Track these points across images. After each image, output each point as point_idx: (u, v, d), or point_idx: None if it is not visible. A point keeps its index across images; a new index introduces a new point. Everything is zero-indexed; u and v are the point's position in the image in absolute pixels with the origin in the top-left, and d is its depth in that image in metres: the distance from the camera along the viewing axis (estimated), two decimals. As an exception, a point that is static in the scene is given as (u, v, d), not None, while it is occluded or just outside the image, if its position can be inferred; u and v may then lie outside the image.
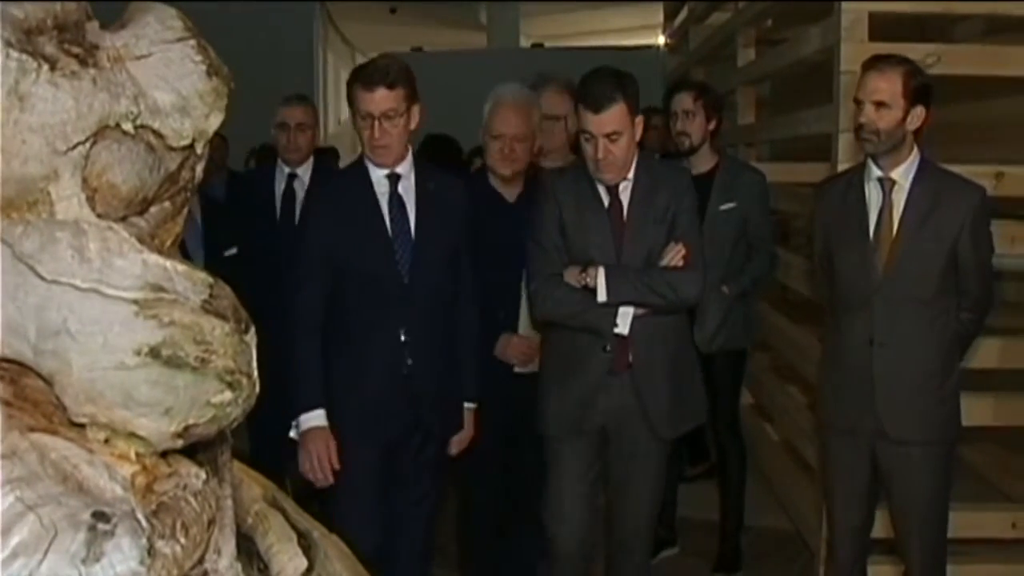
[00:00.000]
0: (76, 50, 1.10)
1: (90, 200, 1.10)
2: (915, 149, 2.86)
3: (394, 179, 2.85)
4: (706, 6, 6.53)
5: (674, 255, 2.83)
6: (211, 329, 1.07)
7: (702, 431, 4.18)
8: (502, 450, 3.27)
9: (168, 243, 1.23)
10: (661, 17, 9.02)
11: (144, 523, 1.00)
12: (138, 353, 1.03)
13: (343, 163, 6.69)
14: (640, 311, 2.83)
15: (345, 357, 2.81)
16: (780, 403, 4.70)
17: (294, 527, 1.35)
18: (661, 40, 9.55)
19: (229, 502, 1.23)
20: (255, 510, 1.34)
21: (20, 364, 1.06)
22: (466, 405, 3.03)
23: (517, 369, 3.26)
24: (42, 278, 1.02)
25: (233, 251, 4.33)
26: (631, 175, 2.86)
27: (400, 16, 13.43)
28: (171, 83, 1.18)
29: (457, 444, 3.01)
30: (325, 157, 5.99)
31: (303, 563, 1.30)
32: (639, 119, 2.82)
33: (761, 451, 4.87)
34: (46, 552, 0.94)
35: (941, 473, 2.90)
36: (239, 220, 4.30)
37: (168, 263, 1.08)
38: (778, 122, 5.11)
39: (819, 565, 3.73)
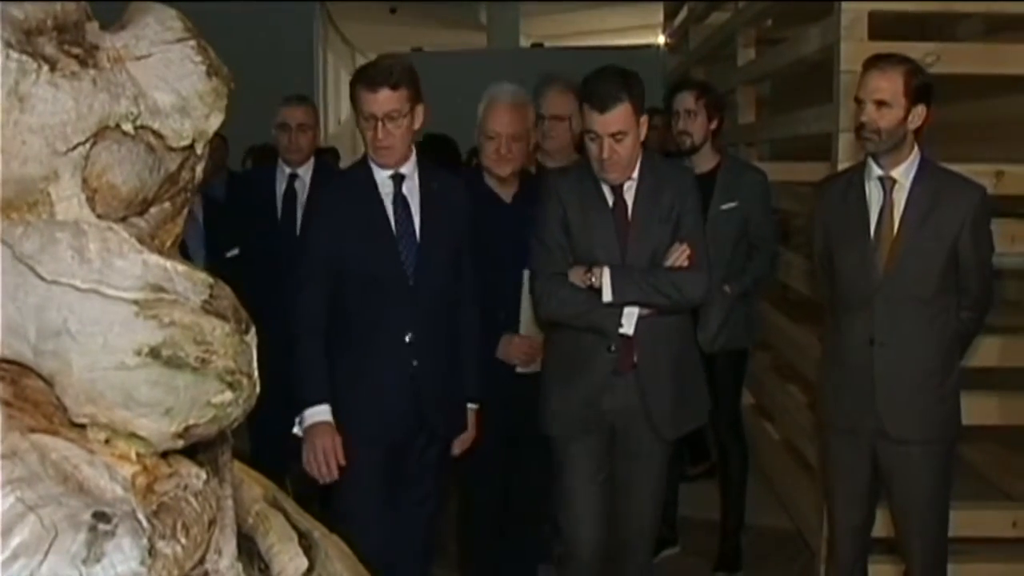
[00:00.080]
0: (76, 51, 1.10)
1: (90, 201, 1.10)
2: (916, 148, 2.86)
3: (398, 180, 2.84)
4: (706, 6, 6.53)
5: (679, 255, 2.83)
6: (211, 329, 1.07)
7: (703, 431, 4.17)
8: (503, 450, 3.27)
9: (168, 243, 1.23)
10: (661, 17, 9.02)
11: (145, 523, 1.00)
12: (138, 353, 1.03)
13: (343, 163, 6.70)
14: (645, 311, 2.83)
15: (350, 358, 2.79)
16: (780, 402, 4.70)
17: (295, 527, 1.35)
18: (661, 40, 9.55)
19: (230, 502, 1.23)
20: (256, 510, 1.34)
21: (20, 365, 1.06)
22: (468, 406, 3.03)
23: (519, 369, 3.25)
24: (42, 279, 1.02)
25: (235, 252, 4.33)
26: (635, 174, 2.85)
27: (400, 16, 13.43)
28: (171, 84, 1.18)
29: (460, 445, 3.00)
30: (325, 157, 6.00)
31: (304, 563, 1.30)
32: (644, 118, 2.81)
33: (762, 450, 4.87)
34: (47, 553, 0.94)
35: (941, 472, 2.90)
36: (240, 221, 4.30)
37: (168, 263, 1.08)
38: (778, 121, 5.11)
39: (820, 564, 3.73)
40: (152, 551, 0.99)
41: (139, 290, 1.04)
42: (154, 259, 1.07)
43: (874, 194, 2.89)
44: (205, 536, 1.09)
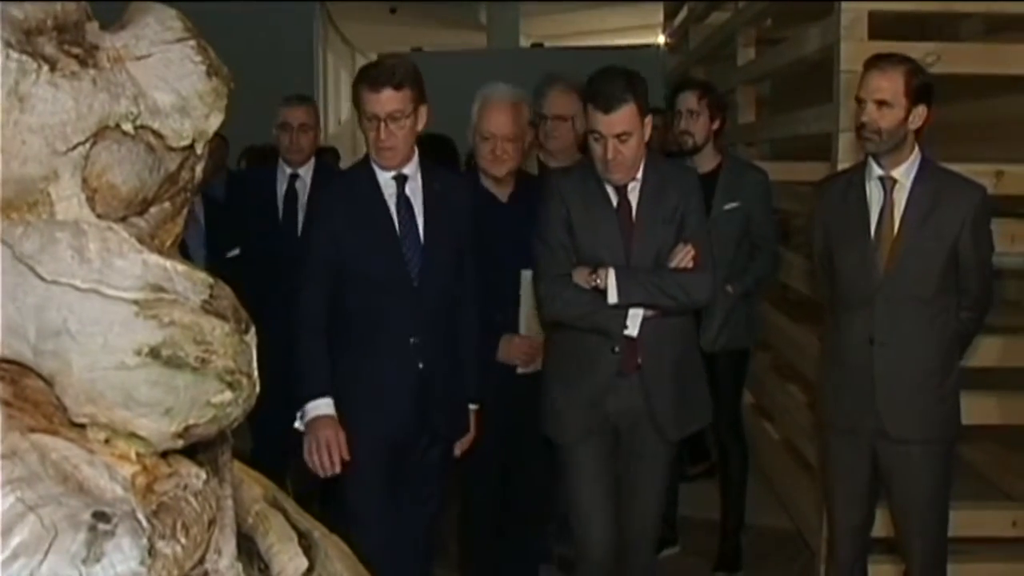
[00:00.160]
0: (76, 51, 1.10)
1: (90, 200, 1.10)
2: (916, 148, 2.86)
3: (401, 180, 2.82)
4: (706, 6, 6.53)
5: (683, 256, 2.81)
6: (211, 329, 1.07)
7: (703, 430, 4.17)
8: (503, 450, 3.27)
9: (168, 243, 1.23)
10: (661, 17, 9.01)
11: (144, 523, 1.00)
12: (138, 353, 1.03)
13: (343, 163, 6.70)
14: (649, 313, 2.82)
15: (354, 360, 2.78)
16: (780, 402, 4.70)
17: (295, 527, 1.35)
18: (661, 40, 9.55)
19: (230, 502, 1.23)
20: (256, 510, 1.34)
21: (20, 365, 1.06)
22: (469, 406, 3.02)
23: (520, 370, 3.25)
24: (42, 278, 1.02)
25: (235, 252, 4.33)
26: (639, 175, 2.84)
27: (400, 16, 13.42)
28: (171, 83, 1.18)
29: (461, 445, 3.00)
30: (326, 157, 5.99)
31: (304, 563, 1.30)
32: (648, 119, 2.79)
33: (761, 450, 4.87)
34: (47, 552, 0.94)
35: (941, 472, 2.90)
36: (241, 221, 4.30)
37: (168, 263, 1.08)
38: (778, 121, 5.11)
39: (819, 564, 3.73)
40: (152, 551, 0.99)
41: (139, 290, 1.04)
42: (154, 259, 1.07)
43: (874, 194, 2.89)
44: (205, 536, 1.09)
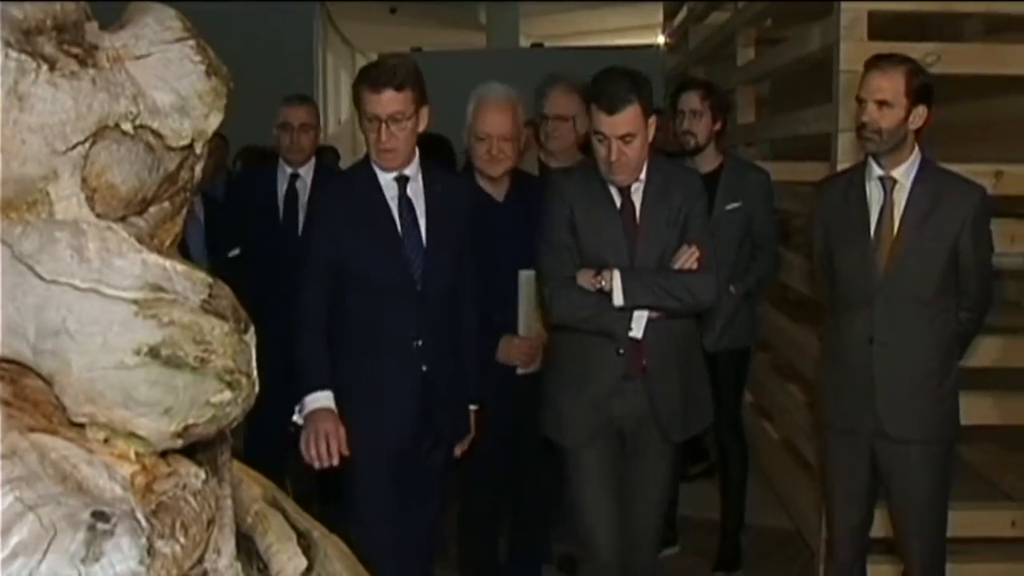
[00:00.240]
0: (75, 50, 1.10)
1: (89, 200, 1.10)
2: (916, 148, 2.86)
3: (403, 182, 2.79)
4: (705, 6, 6.53)
5: (688, 258, 2.80)
6: (210, 329, 1.07)
7: (703, 430, 4.17)
8: (503, 451, 3.27)
9: (167, 243, 1.23)
10: (660, 17, 9.02)
11: (143, 523, 1.01)
12: (137, 353, 1.03)
13: (343, 163, 6.70)
14: (654, 314, 2.81)
15: (357, 363, 2.75)
16: (780, 402, 4.70)
17: (294, 527, 1.35)
18: (661, 40, 9.55)
19: (229, 502, 1.23)
20: (255, 510, 1.34)
21: (20, 364, 1.06)
22: (469, 407, 3.02)
23: (520, 371, 3.25)
24: (41, 278, 1.03)
25: (236, 252, 4.33)
26: (643, 175, 2.82)
27: (400, 16, 13.42)
28: (170, 83, 1.18)
29: (461, 446, 2.99)
30: (326, 157, 5.99)
31: (303, 563, 1.30)
32: (653, 119, 2.77)
33: (761, 450, 4.88)
34: (46, 552, 0.94)
35: (940, 472, 2.90)
36: (242, 221, 4.30)
37: (167, 263, 1.08)
38: (777, 121, 5.11)
39: (819, 564, 3.73)
40: (151, 550, 1.00)
41: (138, 289, 1.04)
42: (153, 259, 1.07)
43: (874, 194, 2.89)
44: (204, 535, 1.09)
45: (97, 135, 1.10)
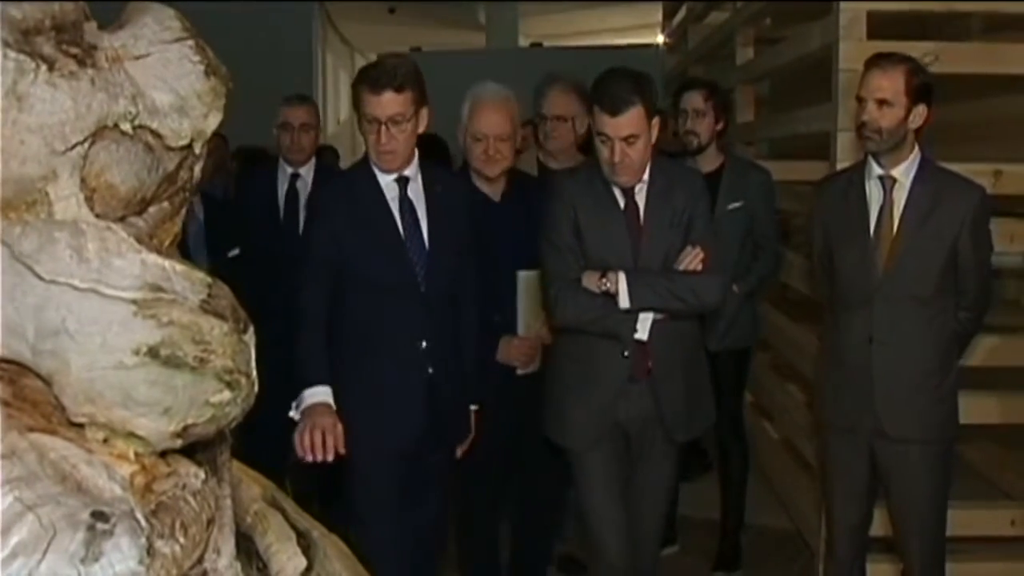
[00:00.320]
0: (74, 50, 1.10)
1: (88, 200, 1.10)
2: (916, 148, 2.86)
3: (403, 183, 2.78)
4: (704, 5, 6.53)
5: (692, 259, 2.79)
6: (210, 329, 1.07)
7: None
8: (503, 451, 3.27)
9: (167, 243, 1.24)
10: (660, 16, 9.02)
11: (143, 523, 1.01)
12: (137, 353, 1.03)
13: (343, 163, 6.70)
14: (659, 316, 2.80)
15: (360, 365, 2.74)
16: (780, 401, 4.70)
17: (293, 527, 1.35)
18: (660, 39, 9.56)
19: (228, 501, 1.23)
20: (254, 509, 1.34)
21: (19, 364, 1.06)
22: (469, 407, 3.01)
23: (520, 371, 3.25)
24: (40, 278, 1.03)
25: (236, 252, 4.33)
26: (646, 176, 2.81)
27: (399, 16, 13.43)
28: (169, 83, 1.18)
29: (461, 446, 2.98)
30: (325, 156, 5.99)
31: (302, 562, 1.30)
32: (656, 120, 2.76)
33: (761, 450, 4.88)
34: (45, 552, 0.94)
35: (940, 471, 2.90)
36: (242, 221, 4.30)
37: (167, 263, 1.08)
38: (777, 120, 5.11)
39: (818, 563, 3.73)
40: (150, 550, 1.00)
41: (137, 289, 1.04)
42: (152, 259, 1.07)
43: (874, 193, 2.89)
44: (203, 535, 1.09)
45: (96, 135, 1.10)
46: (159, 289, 1.05)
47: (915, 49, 3.20)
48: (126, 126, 1.12)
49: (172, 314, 1.05)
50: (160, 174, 1.18)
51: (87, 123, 1.08)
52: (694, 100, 3.91)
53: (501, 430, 3.16)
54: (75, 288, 1.03)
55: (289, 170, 4.21)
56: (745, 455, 4.12)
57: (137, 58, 1.17)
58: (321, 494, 3.82)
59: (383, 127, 2.66)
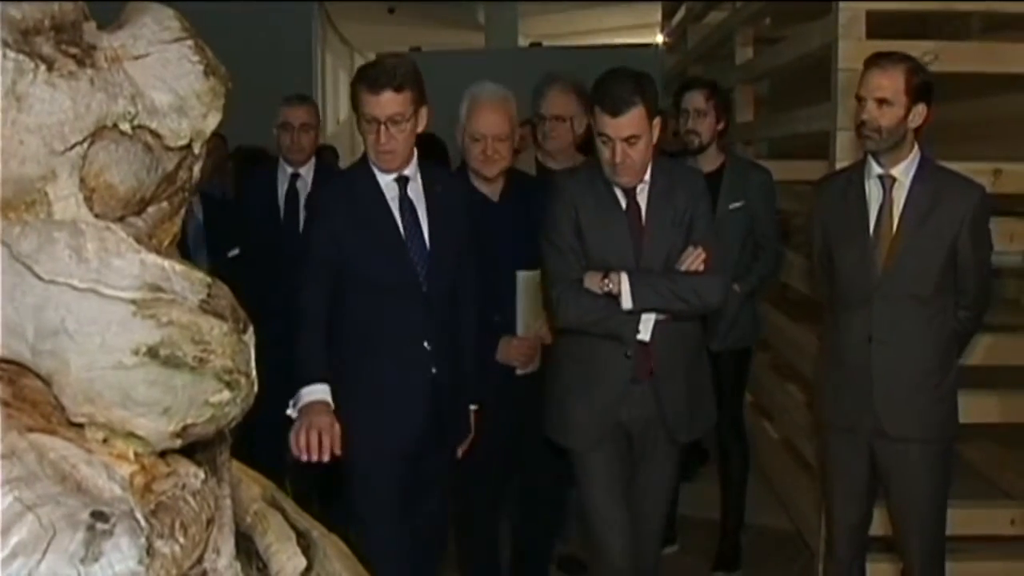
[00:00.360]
0: (73, 50, 1.10)
1: (88, 200, 1.10)
2: (915, 147, 2.86)
3: (403, 182, 2.77)
4: (704, 5, 6.53)
5: (694, 259, 2.78)
6: (209, 329, 1.07)
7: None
8: (503, 451, 3.27)
9: (166, 243, 1.24)
10: (659, 16, 9.03)
11: (143, 523, 1.01)
12: (136, 353, 1.03)
13: (343, 162, 6.70)
14: (661, 316, 2.79)
15: (362, 365, 2.73)
16: (779, 401, 4.70)
17: (293, 526, 1.35)
18: (659, 39, 9.56)
19: (228, 501, 1.23)
20: (254, 509, 1.34)
21: (18, 364, 1.06)
22: (469, 407, 3.01)
23: (519, 371, 3.25)
24: (40, 278, 1.03)
25: (236, 252, 4.33)
26: (647, 176, 2.81)
27: (398, 16, 13.43)
28: (168, 83, 1.18)
29: (462, 446, 2.98)
30: (325, 155, 5.99)
31: (302, 562, 1.30)
32: (657, 121, 2.75)
33: (761, 450, 4.88)
34: (45, 552, 0.94)
35: (940, 471, 2.90)
36: (242, 221, 4.30)
37: (166, 263, 1.08)
38: (776, 120, 5.11)
39: (819, 563, 3.73)
40: (150, 550, 1.00)
41: (137, 289, 1.04)
42: (152, 259, 1.07)
43: (874, 192, 2.89)
44: (203, 535, 1.09)
45: (95, 135, 1.10)
46: (158, 289, 1.05)
47: (915, 48, 3.20)
48: (125, 126, 1.12)
49: (171, 314, 1.05)
50: (159, 174, 1.18)
51: (86, 123, 1.08)
52: (695, 100, 3.90)
53: (501, 430, 3.16)
54: (74, 288, 1.03)
55: (289, 170, 4.21)
56: (745, 455, 4.12)
57: (136, 58, 1.17)
58: (321, 494, 3.82)
59: (382, 127, 2.66)
